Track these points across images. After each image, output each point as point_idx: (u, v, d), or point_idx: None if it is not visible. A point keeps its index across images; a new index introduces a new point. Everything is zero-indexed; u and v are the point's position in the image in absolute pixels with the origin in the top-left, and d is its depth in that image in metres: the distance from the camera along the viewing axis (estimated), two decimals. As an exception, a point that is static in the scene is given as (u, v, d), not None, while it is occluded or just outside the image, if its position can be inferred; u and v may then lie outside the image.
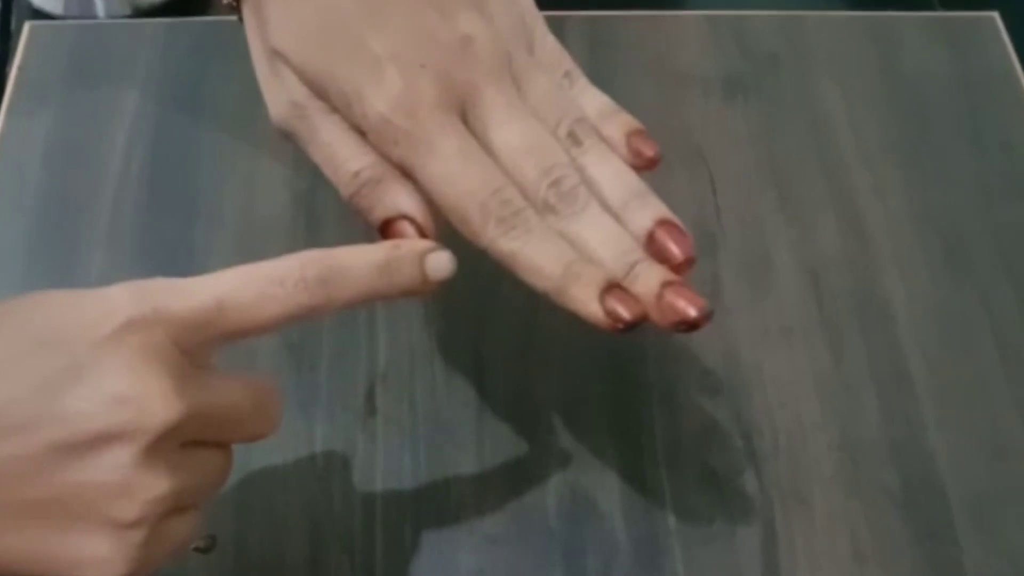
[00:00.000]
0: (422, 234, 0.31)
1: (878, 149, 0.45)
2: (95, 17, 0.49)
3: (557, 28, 0.47)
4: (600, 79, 0.46)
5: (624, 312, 0.29)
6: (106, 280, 0.40)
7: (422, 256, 0.30)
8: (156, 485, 0.25)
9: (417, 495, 0.36)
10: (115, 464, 0.25)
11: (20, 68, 0.46)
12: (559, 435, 0.38)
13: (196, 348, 0.27)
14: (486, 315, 0.40)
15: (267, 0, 0.32)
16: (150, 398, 0.25)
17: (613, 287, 0.29)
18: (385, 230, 0.31)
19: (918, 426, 0.38)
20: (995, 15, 0.49)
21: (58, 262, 0.41)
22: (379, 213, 0.31)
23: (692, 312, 0.29)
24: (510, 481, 0.37)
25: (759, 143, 0.45)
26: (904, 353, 0.40)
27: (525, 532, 0.36)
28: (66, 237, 0.41)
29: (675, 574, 0.35)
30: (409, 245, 0.30)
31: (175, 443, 0.26)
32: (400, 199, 0.31)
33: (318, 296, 0.28)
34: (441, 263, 0.30)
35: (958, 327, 0.41)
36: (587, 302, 0.29)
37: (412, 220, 0.31)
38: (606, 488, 0.37)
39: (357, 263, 0.29)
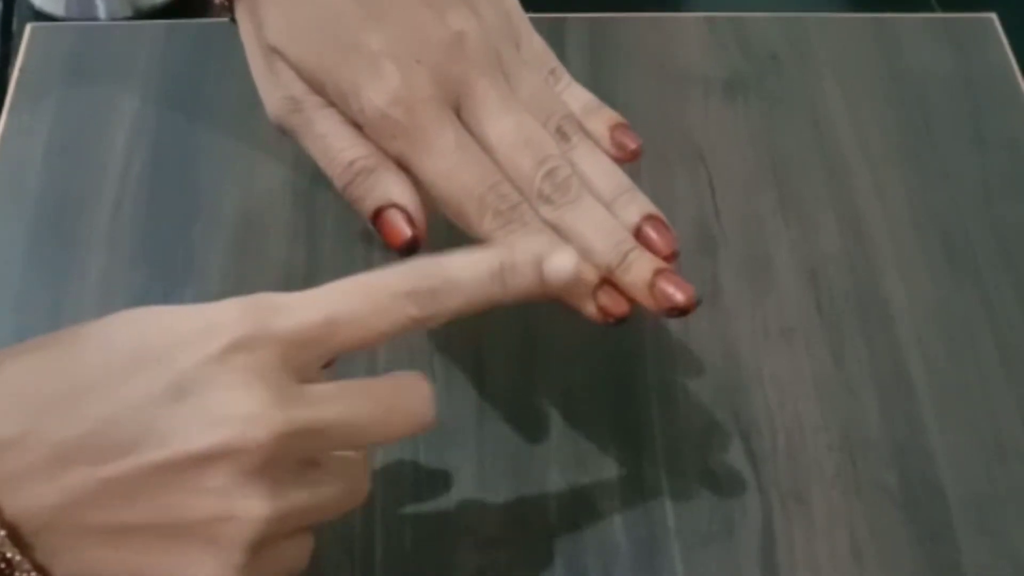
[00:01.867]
0: (410, 223, 0.31)
1: (878, 149, 0.45)
2: (96, 18, 0.49)
3: (558, 30, 0.48)
4: (601, 80, 0.47)
5: (614, 308, 0.31)
6: (106, 280, 0.40)
7: (539, 257, 0.29)
8: (259, 507, 0.24)
9: (417, 495, 0.36)
10: (216, 486, 0.24)
11: (21, 69, 0.46)
12: (559, 435, 0.38)
13: (305, 365, 0.26)
14: (486, 315, 0.40)
15: (263, 1, 0.33)
16: (253, 419, 0.24)
17: (604, 284, 0.31)
18: (376, 219, 0.32)
19: (918, 427, 0.38)
20: (993, 16, 0.49)
21: (58, 262, 0.41)
22: (370, 202, 0.32)
23: (681, 297, 0.30)
24: (510, 481, 0.37)
25: (759, 143, 0.45)
26: (904, 353, 0.40)
27: (525, 532, 0.36)
28: (66, 237, 0.42)
29: (674, 573, 0.35)
30: (525, 247, 0.29)
31: (284, 464, 0.25)
32: (391, 188, 0.31)
33: (428, 308, 0.27)
34: (561, 263, 0.29)
35: (959, 327, 0.41)
36: (581, 297, 0.31)
37: (402, 209, 0.31)
38: (606, 488, 0.37)
39: (468, 272, 0.28)
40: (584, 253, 0.31)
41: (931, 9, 0.50)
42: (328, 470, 0.27)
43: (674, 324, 0.40)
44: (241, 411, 0.24)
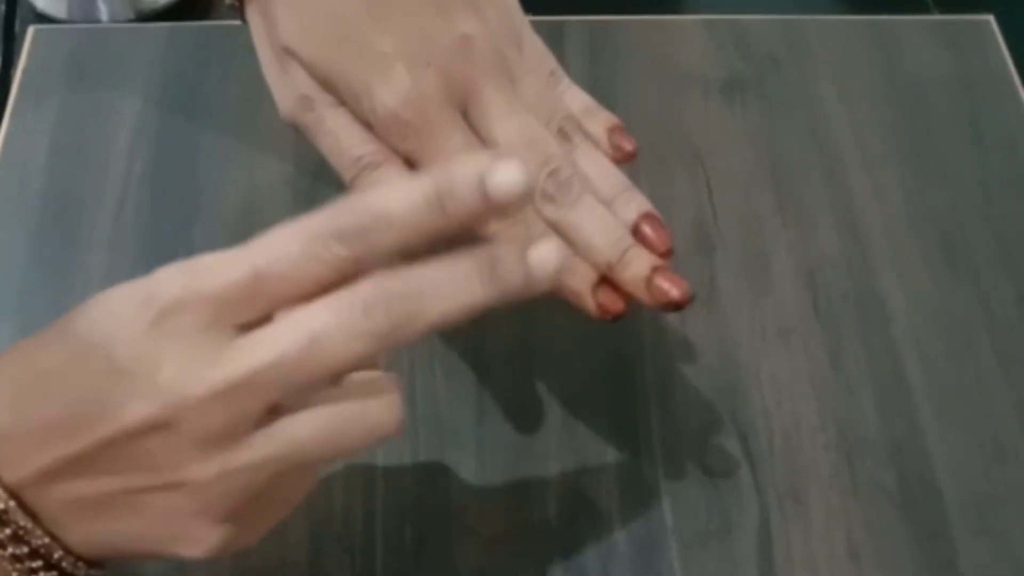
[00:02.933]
0: None
1: (876, 150, 0.45)
2: (98, 21, 0.49)
3: (557, 32, 0.48)
4: (600, 82, 0.47)
5: (611, 305, 0.32)
6: (109, 281, 0.40)
7: (479, 173, 0.25)
8: (204, 470, 0.25)
9: (417, 495, 0.37)
10: (165, 453, 0.25)
11: (24, 71, 0.46)
12: (558, 435, 0.38)
13: (244, 318, 0.25)
14: (486, 315, 0.40)
15: (275, 4, 0.34)
16: (184, 384, 0.24)
17: (603, 282, 0.32)
18: None
19: (916, 427, 0.39)
20: (990, 18, 0.49)
21: (61, 263, 0.41)
22: None
23: (676, 293, 0.31)
24: (510, 481, 0.37)
25: (758, 144, 0.45)
26: (902, 354, 0.40)
27: (524, 532, 0.36)
28: (69, 238, 0.42)
29: (672, 572, 0.35)
30: (462, 165, 0.25)
31: (237, 418, 0.25)
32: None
33: (359, 247, 0.25)
34: (506, 177, 0.25)
35: (956, 328, 0.41)
36: (581, 295, 0.32)
37: None
38: (605, 488, 0.37)
39: (400, 204, 0.25)
40: (585, 250, 0.32)
41: (928, 11, 0.50)
42: (296, 418, 0.26)
43: (672, 325, 0.40)
44: (172, 378, 0.25)
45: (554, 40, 0.47)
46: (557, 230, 0.32)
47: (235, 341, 0.25)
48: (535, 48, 0.35)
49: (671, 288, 0.31)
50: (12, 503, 0.26)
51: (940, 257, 0.43)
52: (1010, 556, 0.36)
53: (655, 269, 0.32)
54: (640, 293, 0.32)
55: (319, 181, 0.39)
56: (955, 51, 0.48)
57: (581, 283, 0.32)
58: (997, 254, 0.43)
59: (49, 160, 0.44)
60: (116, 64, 0.46)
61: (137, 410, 0.25)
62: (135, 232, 0.42)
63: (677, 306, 0.32)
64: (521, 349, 0.40)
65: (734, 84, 0.47)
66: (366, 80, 0.32)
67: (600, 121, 0.35)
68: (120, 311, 0.26)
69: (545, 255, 0.26)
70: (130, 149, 0.44)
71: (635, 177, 0.44)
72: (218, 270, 0.26)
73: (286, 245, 0.26)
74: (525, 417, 0.38)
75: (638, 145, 0.34)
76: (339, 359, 0.25)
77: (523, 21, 0.35)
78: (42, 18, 0.49)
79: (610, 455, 0.38)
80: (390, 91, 0.32)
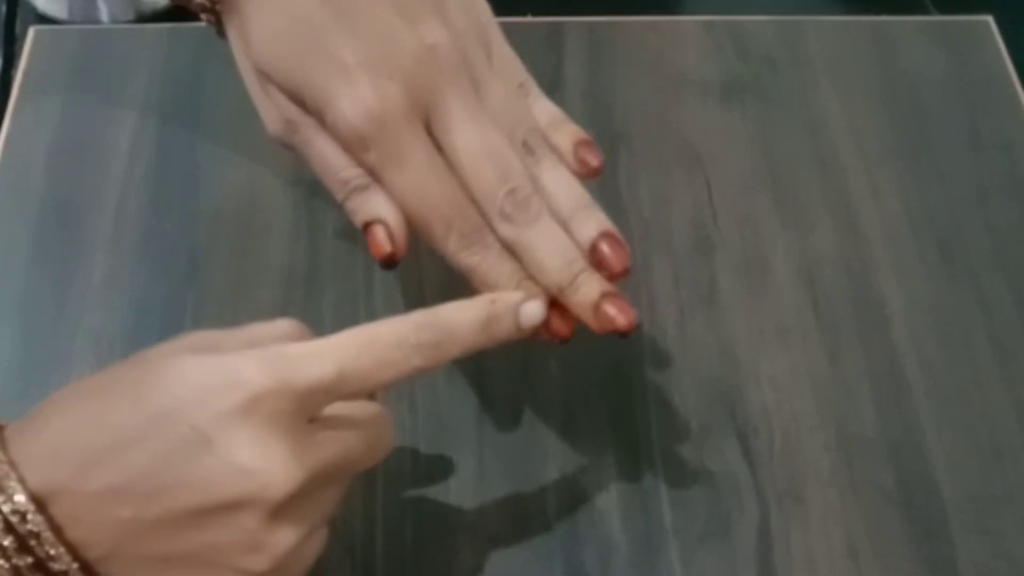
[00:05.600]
0: (391, 238, 0.33)
1: (874, 151, 0.45)
2: (99, 22, 0.49)
3: (556, 33, 0.48)
4: (599, 83, 0.47)
5: (559, 329, 0.33)
6: (109, 281, 0.40)
7: (516, 308, 0.32)
8: (283, 541, 0.28)
9: (417, 495, 0.37)
10: (243, 527, 0.27)
11: (25, 72, 0.46)
12: (558, 435, 0.38)
13: (316, 410, 0.29)
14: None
15: (248, 17, 0.33)
16: (273, 470, 0.27)
17: (553, 308, 0.33)
18: (365, 231, 0.34)
19: (914, 426, 0.39)
20: (989, 19, 0.49)
21: (61, 263, 0.41)
22: (361, 216, 0.33)
23: (623, 321, 0.32)
24: (510, 481, 0.37)
25: (756, 146, 0.45)
26: (900, 353, 0.40)
27: (524, 531, 0.36)
28: (69, 239, 0.42)
29: (672, 572, 0.36)
30: (504, 300, 0.32)
31: (300, 498, 0.28)
32: (379, 206, 0.33)
33: (430, 359, 0.30)
34: (532, 312, 0.32)
35: (954, 327, 0.41)
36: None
37: (386, 225, 0.33)
38: (604, 487, 0.37)
39: (463, 325, 0.31)
40: (537, 271, 0.33)
41: (927, 12, 0.50)
42: (327, 491, 0.30)
43: (672, 325, 0.41)
44: (261, 464, 0.27)
45: (552, 41, 0.48)
46: (511, 249, 0.33)
47: (316, 435, 0.29)
48: (504, 56, 0.35)
49: (617, 315, 0.32)
50: (75, 565, 0.26)
51: (938, 257, 0.43)
52: (1007, 555, 0.36)
53: (604, 295, 0.32)
54: (587, 318, 0.33)
55: (319, 182, 0.38)
56: (953, 52, 0.48)
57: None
58: (994, 254, 0.43)
59: (50, 160, 0.44)
60: (117, 65, 0.46)
61: (227, 487, 0.27)
62: (135, 232, 0.42)
63: (623, 334, 0.32)
64: (521, 349, 0.40)
65: (733, 85, 0.47)
66: (328, 92, 0.32)
67: (567, 134, 0.34)
68: (205, 388, 0.27)
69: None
70: (131, 149, 0.44)
71: (635, 179, 0.44)
72: (306, 366, 0.28)
73: (371, 352, 0.29)
74: (525, 417, 0.38)
75: (604, 161, 0.34)
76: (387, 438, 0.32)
77: (493, 26, 0.35)
78: (43, 19, 0.49)
79: (609, 455, 0.38)
80: (351, 104, 0.31)
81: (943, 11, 0.51)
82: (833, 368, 0.40)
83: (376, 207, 0.33)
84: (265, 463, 0.27)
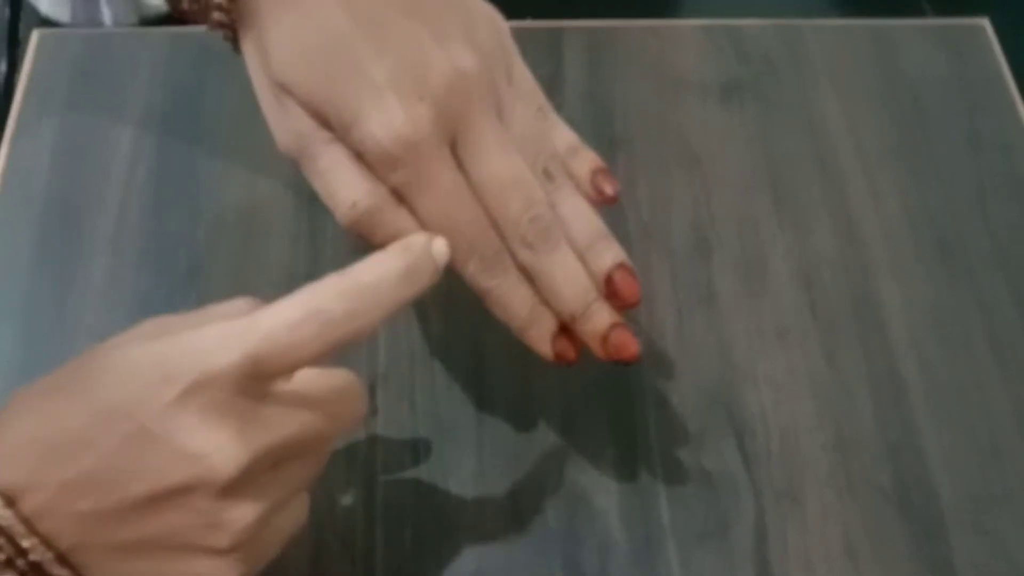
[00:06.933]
0: None
1: (872, 153, 0.46)
2: (102, 25, 0.49)
3: (556, 37, 0.48)
4: (599, 86, 0.47)
5: (567, 353, 0.34)
6: (111, 283, 0.40)
7: (430, 249, 0.32)
8: (241, 517, 0.28)
9: (417, 495, 0.37)
10: (196, 508, 0.28)
11: (28, 75, 0.46)
12: (557, 435, 0.38)
13: (260, 388, 0.29)
14: (486, 315, 0.40)
15: (266, 30, 0.33)
16: (216, 453, 0.28)
17: (561, 332, 0.34)
18: None
19: (912, 427, 0.39)
20: (986, 21, 0.49)
21: (64, 265, 0.41)
22: (381, 237, 0.33)
23: (627, 353, 0.34)
24: (509, 481, 0.37)
25: (755, 147, 0.45)
26: (898, 354, 0.40)
27: (524, 531, 0.36)
28: (72, 241, 0.42)
29: (670, 571, 0.36)
30: (418, 243, 0.32)
31: (254, 476, 0.29)
32: (399, 223, 0.33)
33: (351, 328, 0.30)
34: (441, 249, 0.32)
35: (953, 328, 0.41)
36: (541, 342, 0.34)
37: None
38: (603, 487, 0.37)
39: (384, 282, 0.30)
40: (552, 297, 0.34)
41: (924, 14, 0.51)
42: (292, 466, 0.30)
43: (670, 326, 0.41)
44: (205, 447, 0.28)
45: (552, 45, 0.48)
46: (528, 273, 0.33)
47: (263, 412, 0.29)
48: (524, 80, 0.35)
49: (624, 346, 0.34)
50: (49, 555, 0.28)
51: (936, 259, 0.43)
52: (1006, 555, 0.36)
53: (613, 326, 0.34)
54: (595, 346, 0.34)
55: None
56: (951, 54, 0.48)
57: (542, 333, 0.34)
58: (993, 256, 0.43)
59: (53, 164, 0.44)
60: (120, 68, 0.46)
61: (174, 473, 0.28)
62: (137, 235, 0.42)
63: (626, 363, 0.34)
64: (520, 349, 0.40)
65: (731, 88, 0.47)
66: (357, 110, 0.32)
67: (584, 161, 0.35)
68: (142, 386, 0.28)
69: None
70: (133, 153, 0.44)
71: (634, 181, 0.44)
72: (216, 356, 0.28)
73: (278, 332, 0.29)
74: (524, 417, 0.39)
75: (619, 189, 0.35)
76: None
77: (514, 50, 0.35)
78: (46, 22, 0.49)
79: (608, 455, 0.38)
80: (381, 124, 0.32)
81: (940, 14, 0.51)
82: (831, 369, 0.40)
83: (397, 224, 0.33)
84: (207, 446, 0.28)
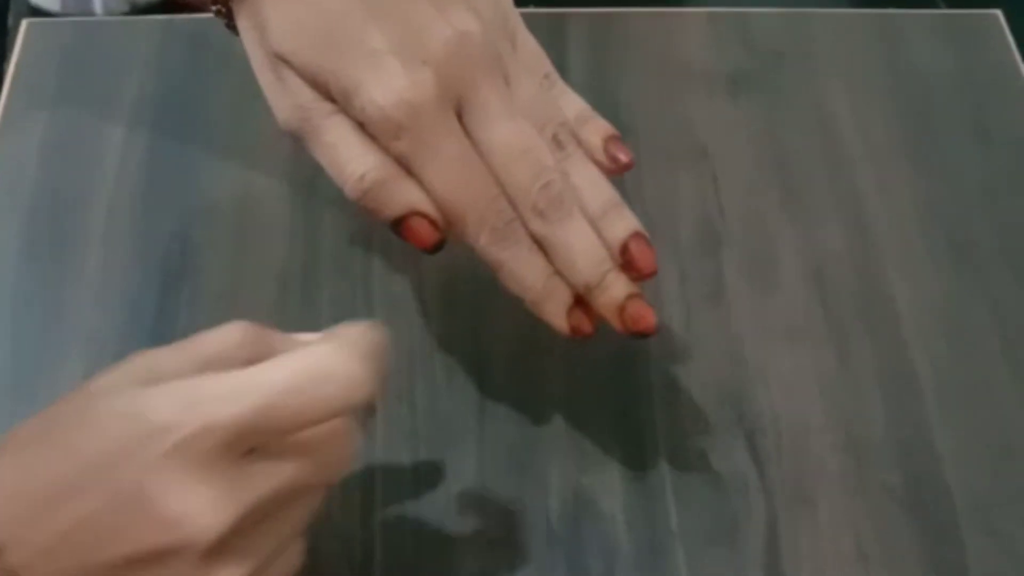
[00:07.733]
0: (435, 227, 0.32)
1: (882, 145, 0.45)
2: (92, 14, 0.49)
3: (559, 25, 0.47)
4: (603, 76, 0.46)
5: (584, 326, 0.33)
6: (103, 278, 0.40)
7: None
8: (228, 574, 0.27)
9: (417, 495, 0.36)
10: (179, 572, 0.27)
11: (17, 65, 0.46)
12: (560, 435, 0.38)
13: (251, 444, 0.28)
14: (486, 314, 0.40)
15: (264, 6, 0.33)
16: (198, 517, 0.26)
17: (577, 305, 0.33)
18: (399, 227, 0.32)
19: (923, 426, 0.38)
20: (998, 13, 0.49)
21: (54, 260, 0.41)
22: (389, 212, 0.32)
23: (645, 324, 0.33)
24: (510, 482, 0.37)
25: (763, 140, 0.45)
26: (909, 352, 0.40)
27: (526, 533, 0.36)
28: (62, 234, 0.41)
29: (678, 575, 0.35)
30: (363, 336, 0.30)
31: (242, 533, 0.27)
32: (410, 195, 0.32)
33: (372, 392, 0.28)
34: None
35: (963, 325, 0.41)
36: (557, 315, 0.33)
37: (424, 215, 0.32)
38: (608, 489, 0.37)
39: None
40: (566, 268, 0.33)
41: (935, 5, 0.50)
42: (280, 519, 0.29)
43: (678, 322, 0.40)
44: (188, 510, 0.26)
45: (556, 33, 0.47)
46: (541, 244, 0.32)
47: (250, 468, 0.27)
48: (529, 47, 0.34)
49: (642, 317, 0.33)
50: None
51: (947, 254, 0.42)
52: (1019, 557, 0.36)
53: (629, 297, 0.33)
54: (612, 318, 0.33)
55: (317, 176, 0.38)
56: (962, 46, 0.48)
57: (558, 306, 0.33)
58: (1004, 250, 0.42)
59: (42, 155, 0.43)
60: (110, 57, 0.46)
61: (159, 536, 0.26)
62: (129, 227, 0.42)
63: (644, 335, 0.33)
64: (522, 348, 0.39)
65: (739, 78, 0.47)
66: (358, 76, 0.31)
67: (596, 130, 0.34)
68: (129, 440, 0.27)
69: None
70: (125, 144, 0.44)
71: (640, 174, 0.44)
72: (223, 407, 0.27)
73: (297, 385, 0.28)
74: (526, 417, 0.38)
75: (634, 156, 0.34)
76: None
77: (517, 18, 0.34)
78: (36, 11, 0.49)
79: (614, 455, 0.37)
80: (383, 90, 0.31)
81: (951, 5, 0.51)
82: (842, 367, 0.39)
83: (406, 197, 0.32)
84: (191, 509, 0.26)
